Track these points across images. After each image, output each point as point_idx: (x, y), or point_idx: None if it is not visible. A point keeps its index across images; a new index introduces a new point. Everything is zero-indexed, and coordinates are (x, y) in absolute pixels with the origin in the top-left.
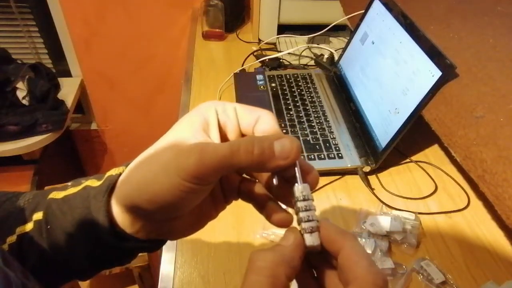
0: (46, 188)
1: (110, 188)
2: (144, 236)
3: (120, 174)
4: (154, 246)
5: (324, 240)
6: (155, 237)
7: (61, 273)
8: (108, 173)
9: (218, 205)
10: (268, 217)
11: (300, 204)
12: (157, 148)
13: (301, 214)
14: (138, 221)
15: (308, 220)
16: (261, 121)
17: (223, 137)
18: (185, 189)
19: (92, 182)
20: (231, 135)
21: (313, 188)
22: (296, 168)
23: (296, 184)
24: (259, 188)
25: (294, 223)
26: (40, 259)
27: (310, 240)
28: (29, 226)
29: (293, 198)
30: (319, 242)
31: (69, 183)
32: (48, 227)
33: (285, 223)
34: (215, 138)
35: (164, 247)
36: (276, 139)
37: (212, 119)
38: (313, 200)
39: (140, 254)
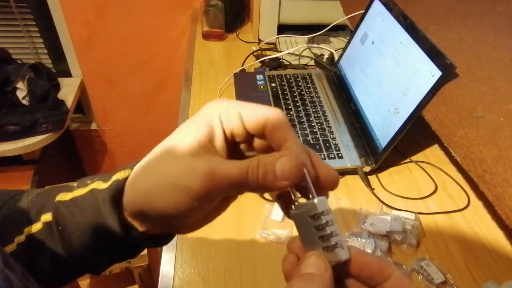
0: (46, 187)
1: (118, 193)
2: (155, 232)
3: (127, 177)
4: (165, 240)
5: (369, 268)
6: (166, 233)
7: (75, 270)
8: (114, 177)
9: (229, 198)
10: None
11: (325, 219)
12: (163, 156)
13: (329, 229)
14: (147, 224)
15: (337, 234)
16: (271, 126)
17: (231, 143)
18: (192, 206)
19: (99, 185)
20: (239, 139)
21: (332, 186)
22: (307, 181)
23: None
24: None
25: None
26: (53, 259)
27: (344, 254)
28: (37, 227)
29: None
30: (349, 255)
31: (75, 184)
32: (60, 228)
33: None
34: (222, 149)
35: (164, 247)
36: (278, 158)
37: (217, 129)
38: (332, 212)
39: (140, 254)
